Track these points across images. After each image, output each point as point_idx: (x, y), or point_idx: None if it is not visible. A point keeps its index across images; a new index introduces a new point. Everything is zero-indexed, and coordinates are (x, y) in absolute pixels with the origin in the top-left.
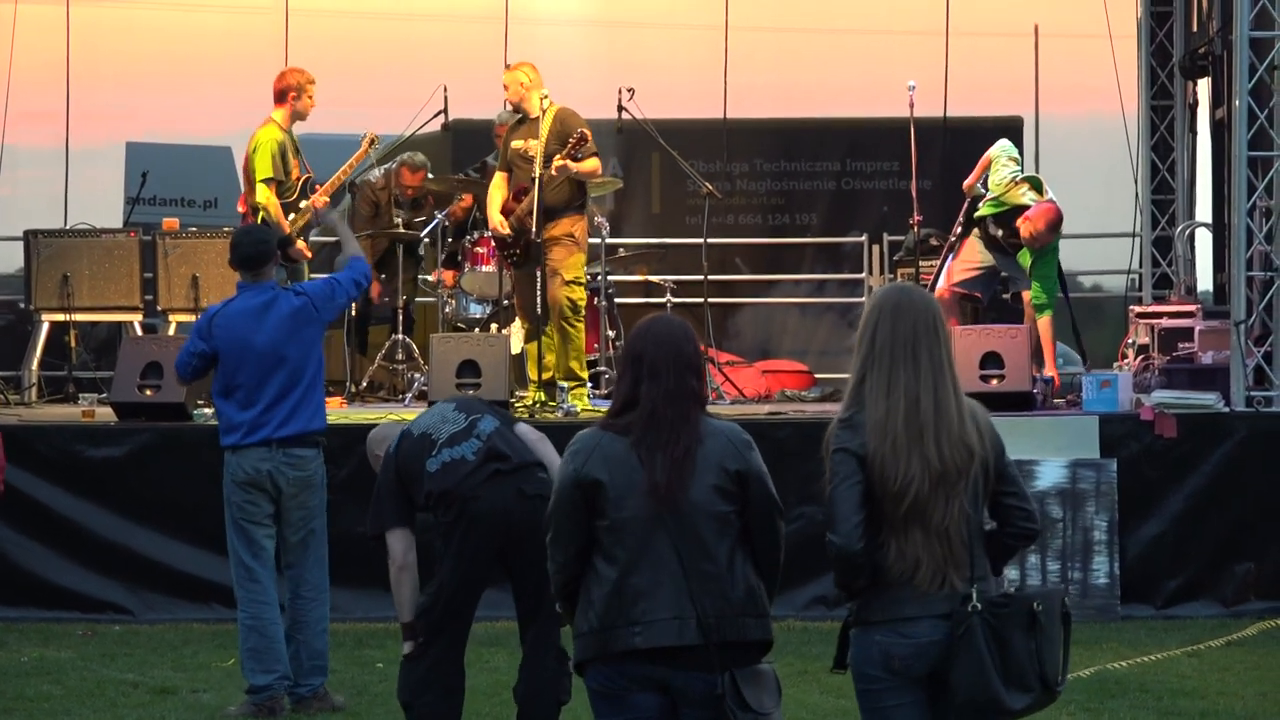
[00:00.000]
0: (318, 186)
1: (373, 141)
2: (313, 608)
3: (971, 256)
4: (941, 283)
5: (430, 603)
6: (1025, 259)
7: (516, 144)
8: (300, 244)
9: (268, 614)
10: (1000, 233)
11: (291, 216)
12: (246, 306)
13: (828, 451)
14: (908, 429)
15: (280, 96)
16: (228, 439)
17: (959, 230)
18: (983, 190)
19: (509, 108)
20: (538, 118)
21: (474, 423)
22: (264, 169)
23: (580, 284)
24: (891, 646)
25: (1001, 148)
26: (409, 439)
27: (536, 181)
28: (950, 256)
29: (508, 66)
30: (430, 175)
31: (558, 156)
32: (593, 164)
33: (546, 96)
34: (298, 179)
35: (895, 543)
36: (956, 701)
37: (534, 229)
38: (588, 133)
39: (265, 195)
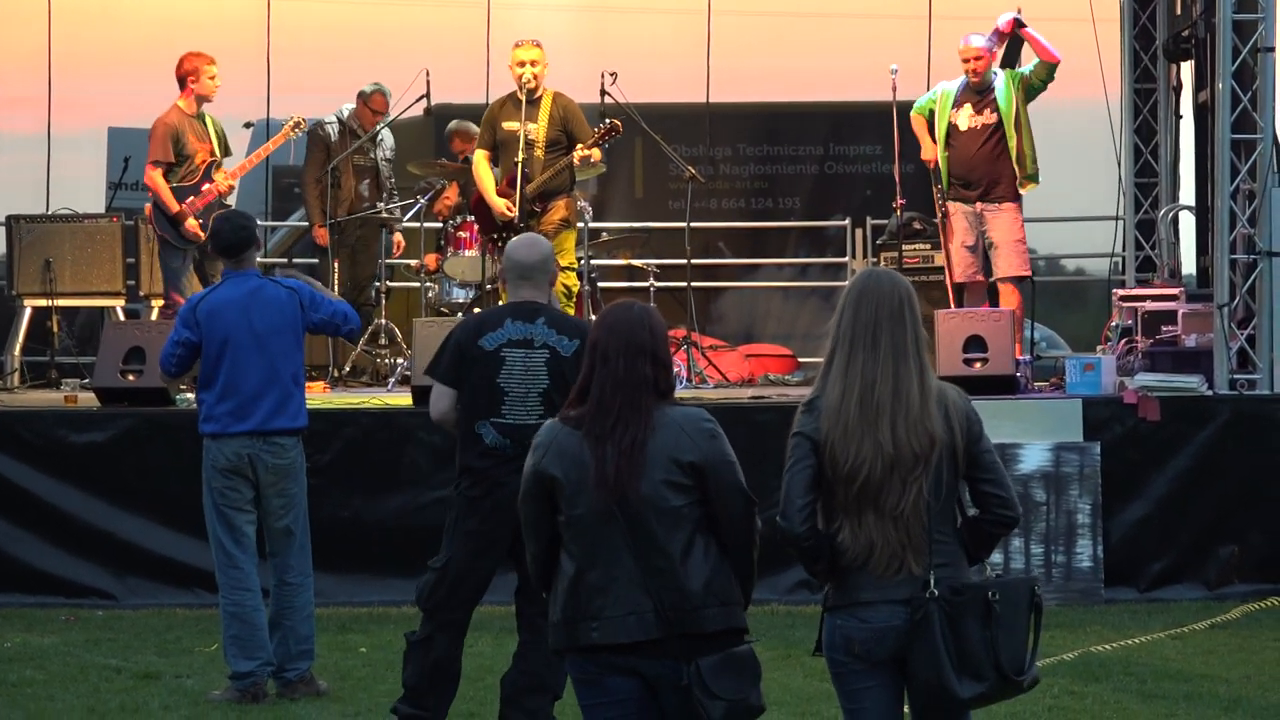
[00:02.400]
0: (224, 170)
1: (297, 125)
2: (298, 594)
3: (964, 237)
4: (960, 272)
5: (437, 579)
6: (1012, 133)
7: (511, 126)
8: (193, 224)
9: (250, 600)
10: (976, 100)
11: (191, 199)
12: (232, 294)
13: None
14: (861, 413)
15: (181, 82)
16: (207, 427)
17: (941, 211)
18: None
19: (519, 89)
20: (535, 101)
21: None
22: (152, 152)
23: (573, 269)
24: (851, 631)
25: (918, 105)
26: (488, 366)
27: (518, 166)
28: (946, 237)
29: (518, 44)
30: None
31: (581, 145)
32: (598, 152)
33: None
34: (202, 162)
35: (849, 526)
36: (913, 686)
37: (518, 213)
38: (618, 124)
39: (149, 177)
